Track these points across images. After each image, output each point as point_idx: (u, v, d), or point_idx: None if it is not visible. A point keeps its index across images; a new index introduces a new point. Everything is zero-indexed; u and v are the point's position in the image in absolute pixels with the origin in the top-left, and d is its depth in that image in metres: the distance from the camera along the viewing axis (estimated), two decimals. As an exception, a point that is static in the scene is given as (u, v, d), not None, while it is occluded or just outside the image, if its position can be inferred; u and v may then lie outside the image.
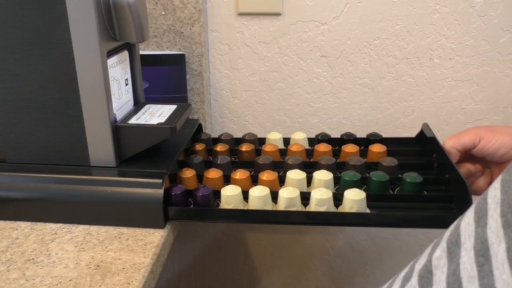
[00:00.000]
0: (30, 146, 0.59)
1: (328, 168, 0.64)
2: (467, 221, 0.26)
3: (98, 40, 0.53)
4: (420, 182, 0.59)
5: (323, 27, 0.80)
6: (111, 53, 0.58)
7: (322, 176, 0.61)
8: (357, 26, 0.80)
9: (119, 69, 0.61)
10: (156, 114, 0.63)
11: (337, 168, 0.65)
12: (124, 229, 0.56)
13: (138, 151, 0.60)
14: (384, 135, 0.81)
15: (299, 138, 0.74)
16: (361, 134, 0.87)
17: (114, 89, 0.59)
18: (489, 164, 0.64)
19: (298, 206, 0.57)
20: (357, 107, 0.86)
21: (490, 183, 0.64)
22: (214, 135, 0.90)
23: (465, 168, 0.63)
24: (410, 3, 0.77)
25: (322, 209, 0.56)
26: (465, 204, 0.53)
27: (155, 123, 0.59)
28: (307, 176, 0.62)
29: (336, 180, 0.62)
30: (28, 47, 0.54)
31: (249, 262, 1.03)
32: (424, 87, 0.83)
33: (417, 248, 0.98)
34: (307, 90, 0.85)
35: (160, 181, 0.56)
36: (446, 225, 0.52)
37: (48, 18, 0.53)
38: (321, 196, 0.56)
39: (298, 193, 0.57)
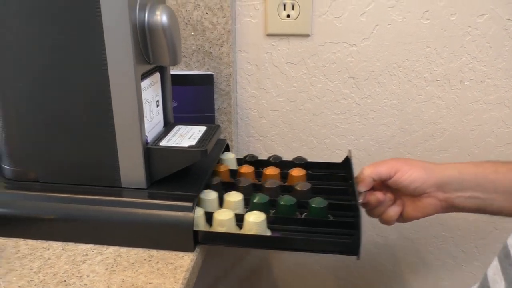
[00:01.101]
0: (63, 167, 0.60)
1: (242, 189, 0.64)
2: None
3: (133, 63, 0.54)
4: (324, 207, 0.60)
5: (352, 48, 0.80)
6: (144, 75, 0.59)
7: (232, 197, 0.62)
8: (386, 48, 0.79)
9: (151, 91, 0.62)
10: (186, 136, 0.63)
11: (254, 189, 0.65)
12: (154, 252, 0.56)
13: (169, 173, 0.60)
14: (412, 157, 0.80)
15: (228, 158, 0.73)
16: (389, 155, 0.86)
17: (146, 111, 0.60)
18: (402, 195, 0.65)
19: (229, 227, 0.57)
20: (385, 129, 0.85)
21: (400, 213, 0.65)
22: (240, 154, 0.90)
23: (375, 197, 0.64)
24: (441, 26, 0.76)
25: (222, 229, 0.56)
26: (356, 231, 0.53)
27: (186, 145, 0.60)
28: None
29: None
30: (65, 70, 0.55)
31: (271, 279, 1.02)
32: (454, 110, 0.82)
33: (443, 273, 0.96)
34: (335, 111, 0.85)
35: (190, 204, 0.56)
36: (346, 251, 0.53)
37: (85, 41, 0.53)
38: (222, 217, 0.56)
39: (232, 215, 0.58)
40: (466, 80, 0.80)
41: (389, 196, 0.65)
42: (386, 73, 0.81)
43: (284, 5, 0.78)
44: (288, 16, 0.78)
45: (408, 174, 0.61)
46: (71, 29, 0.53)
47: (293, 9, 0.78)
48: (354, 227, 0.56)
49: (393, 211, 0.65)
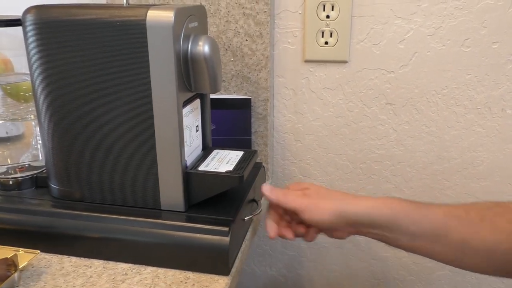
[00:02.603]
0: (107, 188, 0.63)
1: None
2: None
3: (175, 92, 0.56)
4: None
5: (389, 75, 0.80)
6: (185, 102, 0.61)
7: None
8: (425, 75, 0.79)
9: (191, 117, 0.64)
10: (224, 161, 0.64)
11: None
12: (190, 274, 0.58)
13: (206, 197, 0.61)
14: (450, 185, 0.79)
15: None
16: (426, 182, 0.85)
17: (186, 136, 0.62)
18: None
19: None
20: (423, 155, 0.84)
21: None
22: (275, 177, 0.91)
23: (286, 232, 0.64)
24: (481, 54, 0.76)
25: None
26: None
27: (224, 171, 0.61)
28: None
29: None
30: (112, 98, 0.58)
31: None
32: (495, 138, 0.80)
33: None
34: (371, 136, 0.85)
35: (226, 229, 0.57)
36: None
37: (131, 71, 0.56)
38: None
39: None
40: (508, 108, 0.78)
41: (300, 230, 0.64)
42: (424, 99, 0.80)
43: (323, 32, 0.79)
44: (326, 43, 0.79)
45: (315, 218, 0.59)
46: (119, 59, 0.56)
47: (331, 36, 0.79)
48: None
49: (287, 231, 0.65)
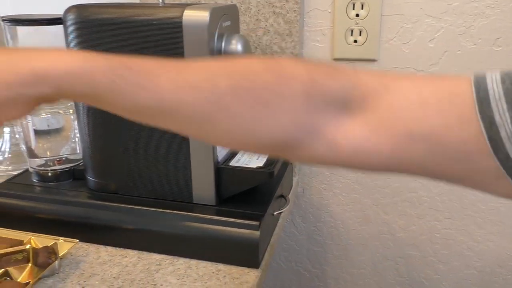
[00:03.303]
0: (141, 181, 0.65)
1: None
2: None
3: (209, 89, 0.58)
4: None
5: (419, 73, 0.80)
6: (218, 99, 0.63)
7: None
8: (455, 73, 0.79)
9: (223, 114, 0.65)
10: (254, 157, 0.66)
11: None
12: (221, 266, 0.60)
13: (237, 192, 0.63)
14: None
15: None
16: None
17: (218, 132, 0.64)
18: None
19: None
20: (451, 154, 0.84)
21: None
22: (302, 173, 0.92)
23: None
24: (513, 53, 0.75)
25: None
26: None
27: (254, 166, 0.63)
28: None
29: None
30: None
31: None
32: (526, 138, 0.80)
33: None
34: (399, 134, 0.85)
35: (257, 223, 0.59)
36: None
37: (167, 69, 0.58)
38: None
39: None
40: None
41: None
42: (453, 98, 0.80)
43: (352, 31, 0.80)
44: (355, 41, 0.80)
45: None
46: (157, 56, 0.58)
47: (360, 34, 0.79)
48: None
49: None
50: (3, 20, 0.64)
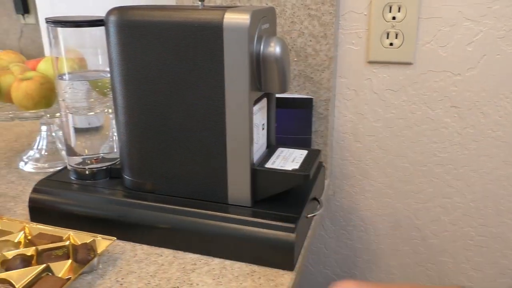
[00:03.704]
0: (177, 181, 0.66)
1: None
2: None
3: (248, 91, 0.58)
4: None
5: (455, 77, 0.79)
6: (255, 101, 0.63)
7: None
8: (493, 78, 0.77)
9: (259, 116, 0.66)
10: (289, 159, 0.66)
11: None
12: (256, 267, 0.60)
13: (272, 194, 0.63)
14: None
15: None
16: (490, 188, 0.83)
17: (253, 134, 0.64)
18: None
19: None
20: (487, 160, 0.82)
21: None
22: (333, 176, 0.92)
23: None
24: (556, 57, 0.73)
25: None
26: None
27: (290, 169, 0.63)
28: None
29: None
30: (187, 96, 0.61)
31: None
32: None
33: None
34: (433, 139, 0.84)
35: (293, 225, 0.59)
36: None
37: (206, 69, 0.59)
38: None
39: None
40: None
41: None
42: (492, 103, 0.79)
43: (388, 34, 0.79)
44: (391, 44, 0.79)
45: None
46: (195, 59, 0.59)
47: (396, 37, 0.79)
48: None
49: None
50: (47, 22, 0.66)
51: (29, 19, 1.75)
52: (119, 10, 0.62)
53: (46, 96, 0.82)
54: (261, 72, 0.60)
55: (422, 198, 0.88)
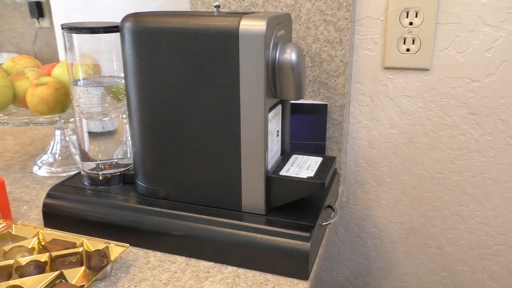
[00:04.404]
0: (191, 188, 0.65)
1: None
2: None
3: (263, 98, 0.57)
4: None
5: (474, 84, 0.77)
6: (270, 108, 0.62)
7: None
8: (513, 84, 0.76)
9: (273, 122, 0.65)
10: (304, 167, 0.65)
11: None
12: (270, 276, 0.59)
13: (287, 202, 0.63)
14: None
15: None
16: (508, 196, 0.82)
17: (268, 141, 0.63)
18: None
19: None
20: (506, 168, 0.81)
21: None
22: (347, 183, 0.91)
23: None
24: None
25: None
26: None
27: (305, 176, 0.62)
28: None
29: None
30: (201, 101, 0.60)
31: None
32: None
33: None
34: (451, 146, 0.82)
35: (308, 234, 0.58)
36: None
37: (221, 76, 0.58)
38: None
39: None
40: None
41: None
42: (510, 110, 0.77)
43: (404, 39, 0.78)
44: (408, 50, 0.78)
45: None
46: (210, 65, 0.58)
47: (413, 43, 0.78)
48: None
49: None
50: (62, 28, 0.66)
51: (44, 23, 1.76)
52: (135, 17, 0.62)
53: (61, 102, 0.82)
54: (276, 79, 0.60)
55: (438, 206, 0.87)
